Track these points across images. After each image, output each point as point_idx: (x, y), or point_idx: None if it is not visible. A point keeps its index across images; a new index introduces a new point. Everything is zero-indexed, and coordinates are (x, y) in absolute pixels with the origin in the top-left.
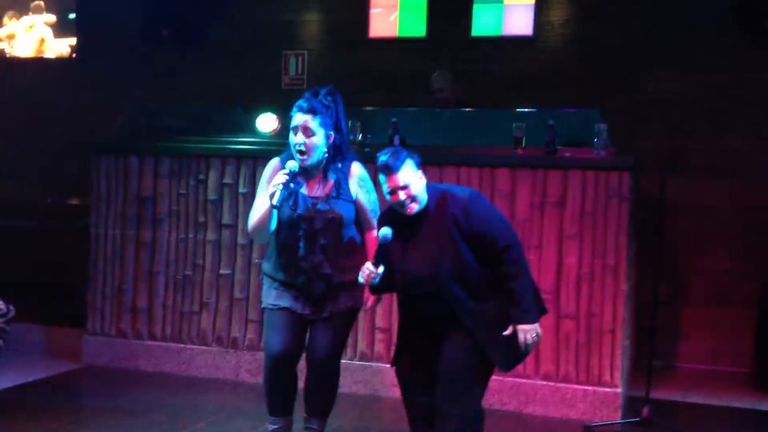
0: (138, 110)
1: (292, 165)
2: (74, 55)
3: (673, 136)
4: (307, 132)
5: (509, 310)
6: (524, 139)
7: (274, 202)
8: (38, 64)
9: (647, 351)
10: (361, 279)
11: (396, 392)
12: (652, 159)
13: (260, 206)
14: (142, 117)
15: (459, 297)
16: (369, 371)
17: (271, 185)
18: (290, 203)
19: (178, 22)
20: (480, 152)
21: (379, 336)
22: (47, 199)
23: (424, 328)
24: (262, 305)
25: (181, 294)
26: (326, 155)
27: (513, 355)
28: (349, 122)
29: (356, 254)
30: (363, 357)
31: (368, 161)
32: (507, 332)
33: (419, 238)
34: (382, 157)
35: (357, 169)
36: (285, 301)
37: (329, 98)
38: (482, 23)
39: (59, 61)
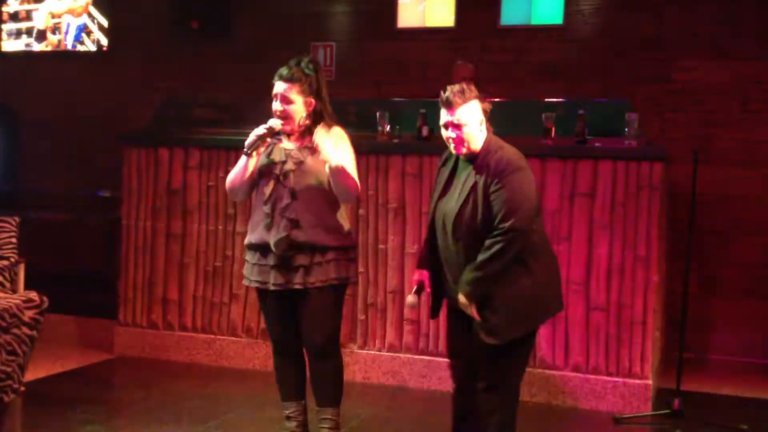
0: (168, 103)
1: (275, 122)
2: (105, 48)
3: (705, 126)
4: (286, 100)
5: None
6: (554, 129)
7: (246, 149)
8: (70, 57)
9: (678, 342)
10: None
11: (424, 384)
12: (684, 149)
13: (234, 169)
14: (172, 109)
15: (470, 250)
16: (397, 362)
17: (250, 135)
18: (267, 152)
19: (207, 14)
20: (509, 142)
21: (407, 327)
22: (79, 192)
23: (449, 282)
24: (244, 280)
25: (211, 285)
26: (306, 121)
27: (493, 327)
28: (377, 113)
29: (333, 222)
30: (391, 348)
31: (396, 153)
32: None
33: (458, 183)
34: (448, 91)
35: (337, 129)
36: (261, 276)
37: (311, 66)
38: (511, 12)
39: (90, 54)
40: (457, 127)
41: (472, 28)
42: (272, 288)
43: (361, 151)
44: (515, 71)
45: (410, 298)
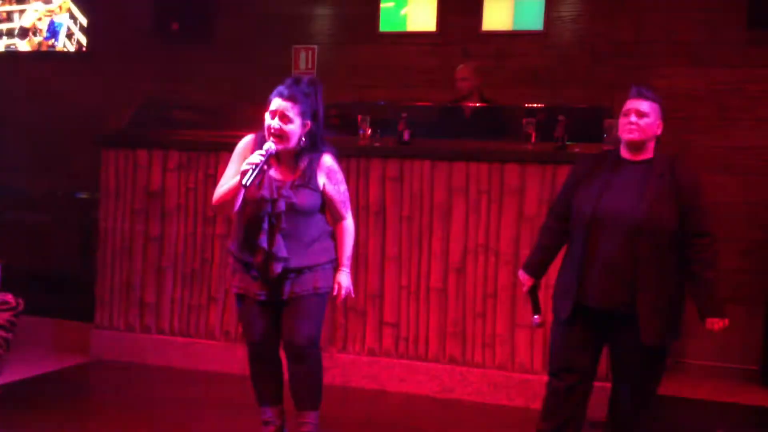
0: (148, 104)
1: (270, 146)
2: (85, 49)
3: (682, 132)
4: (285, 119)
5: (699, 300)
6: (534, 134)
7: (245, 182)
8: (49, 57)
9: None
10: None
11: (403, 387)
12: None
13: (228, 180)
14: (151, 111)
15: (653, 250)
16: (377, 366)
17: (245, 163)
18: (257, 182)
19: (189, 15)
20: (489, 147)
21: (386, 331)
22: (57, 193)
23: (597, 277)
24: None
25: (189, 288)
26: (302, 143)
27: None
28: (358, 116)
29: (322, 243)
30: (371, 352)
31: (376, 157)
32: (709, 327)
33: (628, 183)
34: (641, 86)
35: (327, 160)
36: (245, 283)
37: (311, 87)
38: (493, 17)
39: (70, 55)
40: (639, 115)
41: (453, 32)
42: (254, 297)
43: (342, 154)
44: (496, 76)
45: (536, 319)
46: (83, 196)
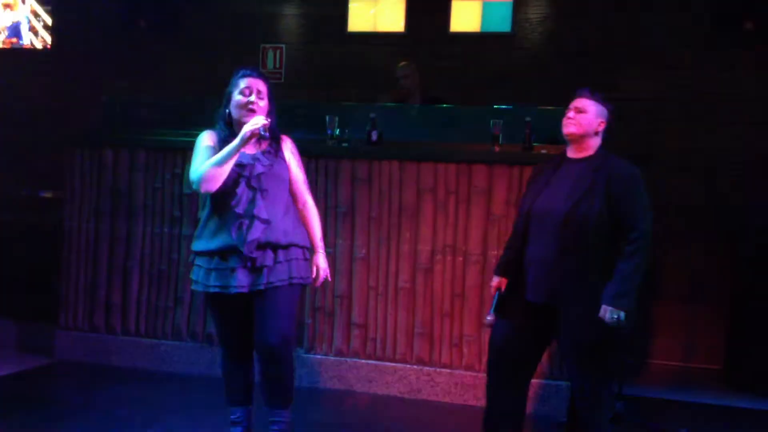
0: (114, 102)
1: (263, 120)
2: (50, 46)
3: (648, 134)
4: (260, 94)
5: (606, 285)
6: (501, 135)
7: (262, 131)
8: (14, 54)
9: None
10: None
11: (371, 388)
12: (628, 156)
13: (218, 155)
14: (118, 109)
15: (569, 246)
16: (344, 366)
17: (249, 125)
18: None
19: (157, 13)
20: (457, 148)
21: (355, 332)
22: (21, 192)
23: (530, 270)
24: (193, 286)
25: (156, 289)
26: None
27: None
28: (326, 117)
29: (293, 220)
30: (339, 353)
31: (345, 157)
32: (601, 315)
33: (564, 180)
34: (585, 88)
35: (288, 139)
36: (221, 280)
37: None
38: (461, 19)
39: (35, 52)
40: (577, 111)
41: (421, 33)
42: (234, 291)
43: (310, 154)
44: (464, 77)
45: (489, 319)
46: (47, 195)
